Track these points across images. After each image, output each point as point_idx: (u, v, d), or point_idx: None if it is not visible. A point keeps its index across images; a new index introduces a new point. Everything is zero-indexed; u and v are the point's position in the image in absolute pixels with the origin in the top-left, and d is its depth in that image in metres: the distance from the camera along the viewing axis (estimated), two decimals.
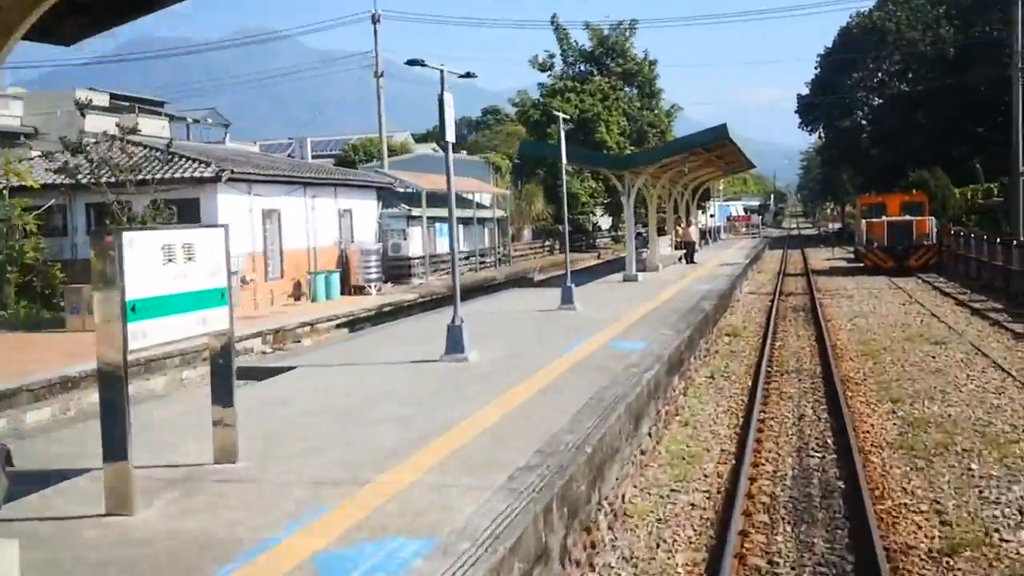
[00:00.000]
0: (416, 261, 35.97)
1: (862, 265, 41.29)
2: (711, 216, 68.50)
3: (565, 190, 25.52)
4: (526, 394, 10.66)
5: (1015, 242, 29.07)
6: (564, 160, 22.32)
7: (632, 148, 58.64)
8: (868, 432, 12.29)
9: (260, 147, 51.23)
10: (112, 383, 6.26)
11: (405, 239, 36.28)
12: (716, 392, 15.64)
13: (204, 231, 7.37)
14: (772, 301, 29.03)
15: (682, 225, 35.04)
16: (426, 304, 31.51)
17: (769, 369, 17.47)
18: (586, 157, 34.88)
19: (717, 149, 29.54)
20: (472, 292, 29.58)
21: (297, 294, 30.65)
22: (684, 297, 21.80)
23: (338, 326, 26.02)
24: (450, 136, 13.28)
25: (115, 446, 6.32)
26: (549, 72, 65.44)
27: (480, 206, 45.29)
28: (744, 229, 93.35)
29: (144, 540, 5.96)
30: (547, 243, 54.44)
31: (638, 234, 36.63)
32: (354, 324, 26.32)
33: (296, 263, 30.72)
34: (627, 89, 65.59)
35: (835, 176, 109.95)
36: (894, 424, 12.68)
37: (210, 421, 7.59)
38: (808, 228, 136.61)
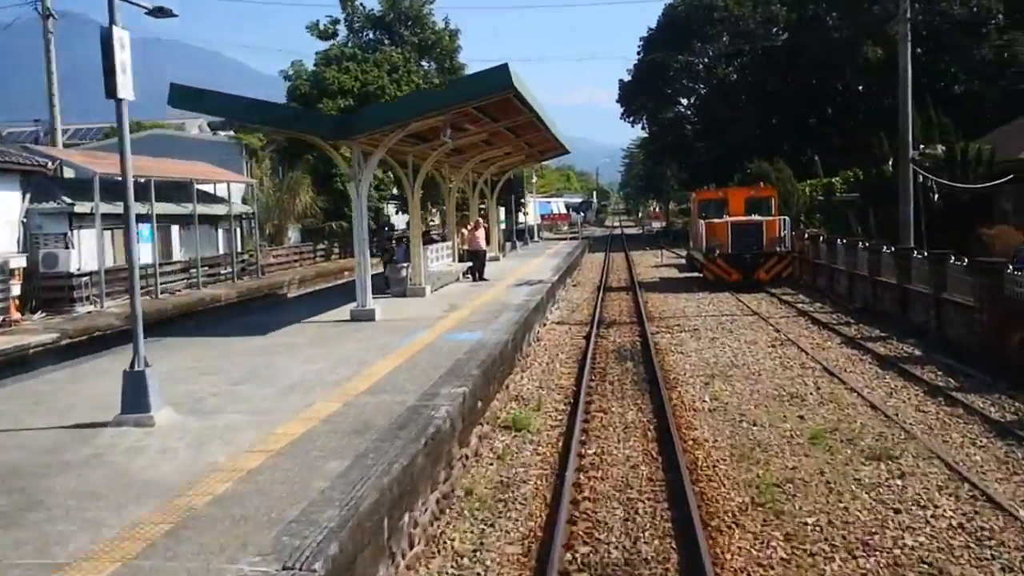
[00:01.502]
0: (84, 280, 24.43)
1: (699, 275, 33.12)
2: (524, 215, 59.81)
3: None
4: None
5: (916, 253, 20.99)
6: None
7: None
8: None
9: None
10: None
11: (68, 247, 24.69)
12: None
13: None
14: (587, 339, 19.75)
15: (468, 227, 25.37)
16: (75, 347, 20.31)
17: (571, 553, 7.81)
18: (267, 113, 18.80)
19: (509, 116, 20.07)
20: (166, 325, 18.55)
21: None
22: (418, 373, 11.78)
23: None
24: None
25: None
26: (333, 41, 54.51)
27: (216, 200, 34.01)
28: (566, 228, 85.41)
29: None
30: (320, 246, 43.65)
31: (431, 238, 26.74)
32: None
33: None
34: (425, 63, 55.53)
35: (659, 172, 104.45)
36: None
37: None
38: (631, 227, 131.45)
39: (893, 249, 22.90)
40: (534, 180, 61.70)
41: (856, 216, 41.33)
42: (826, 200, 48.28)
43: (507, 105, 18.40)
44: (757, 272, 29.44)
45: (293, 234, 43.72)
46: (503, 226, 35.69)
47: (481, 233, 25.14)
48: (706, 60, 71.13)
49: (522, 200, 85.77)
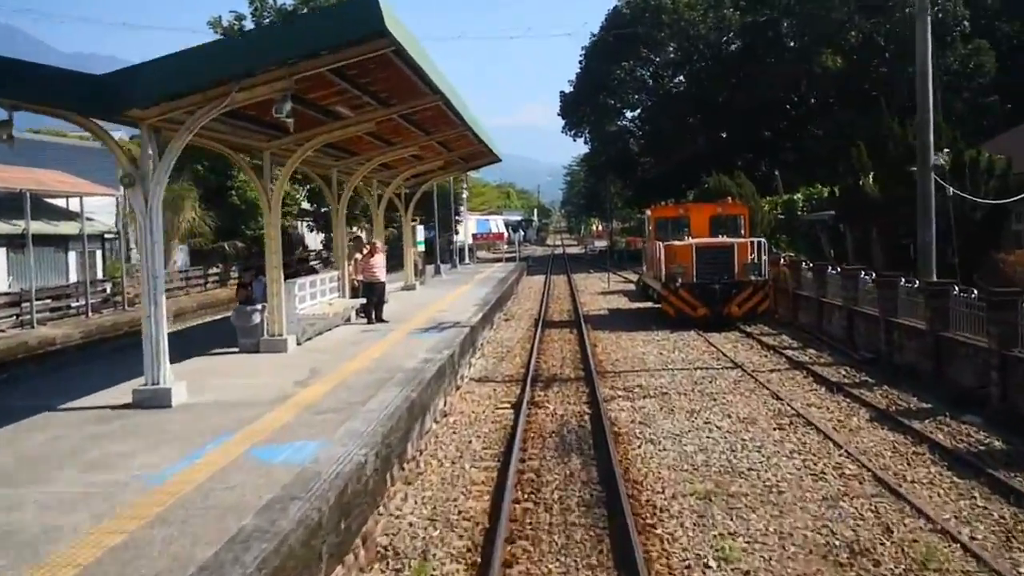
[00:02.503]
0: None
1: (655, 306, 27.70)
2: (455, 234, 53.83)
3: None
4: None
5: (960, 290, 15.63)
6: None
7: None
8: None
9: None
10: None
11: None
12: None
13: None
14: (516, 409, 14.00)
15: (362, 252, 19.29)
16: None
17: None
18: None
19: (404, 98, 14.24)
20: None
21: None
22: None
23: None
24: None
25: None
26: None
27: (66, 216, 27.54)
28: (506, 247, 79.44)
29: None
30: (214, 270, 37.23)
31: (308, 267, 20.78)
32: None
33: None
34: None
35: (602, 189, 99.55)
36: None
37: None
38: (574, 245, 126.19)
39: (917, 283, 17.57)
40: (464, 195, 55.72)
41: (828, 237, 36.42)
42: (787, 219, 43.42)
43: (395, 76, 12.58)
44: (728, 306, 24.03)
45: (180, 257, 37.22)
46: (420, 248, 29.87)
47: (379, 260, 19.11)
48: (653, 68, 66.33)
49: (457, 217, 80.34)
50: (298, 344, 15.44)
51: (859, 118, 54.48)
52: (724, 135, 63.28)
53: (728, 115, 60.29)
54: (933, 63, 53.97)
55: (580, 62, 72.47)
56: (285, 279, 17.11)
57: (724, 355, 19.57)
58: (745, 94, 58.83)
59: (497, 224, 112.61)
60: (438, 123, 18.80)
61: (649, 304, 29.66)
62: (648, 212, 28.02)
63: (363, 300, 18.92)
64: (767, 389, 15.53)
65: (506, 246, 70.88)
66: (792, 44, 59.07)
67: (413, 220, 50.04)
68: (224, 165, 36.88)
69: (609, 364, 18.90)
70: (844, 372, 17.28)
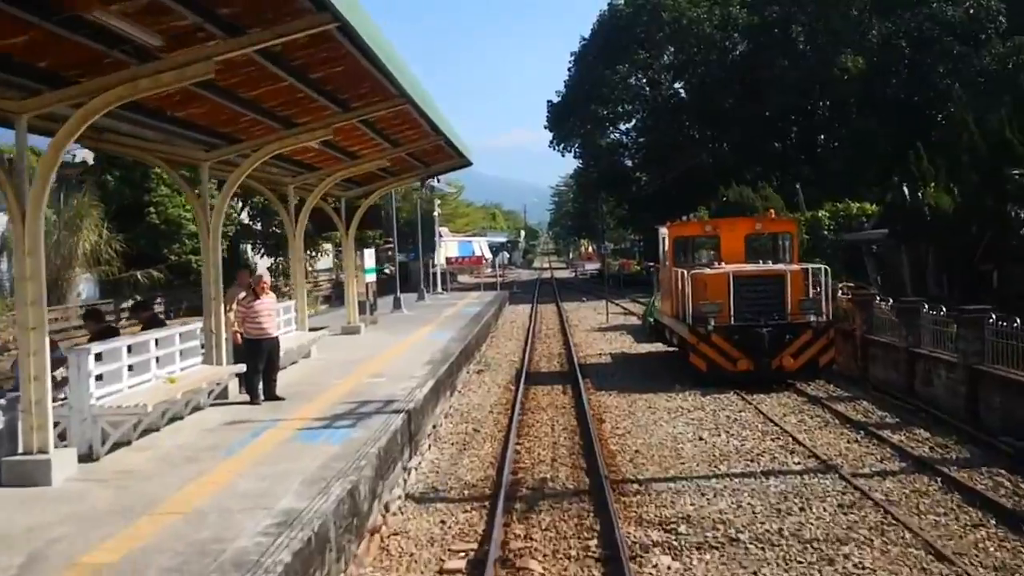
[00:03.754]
0: None
1: (669, 349, 21.40)
2: (428, 261, 47.04)
3: None
4: None
5: None
6: None
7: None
8: None
9: None
10: None
11: None
12: None
13: None
14: None
15: (246, 295, 12.72)
16: None
17: None
18: None
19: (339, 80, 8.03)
20: None
21: None
22: None
23: None
24: None
25: None
26: None
27: None
28: (490, 271, 71.80)
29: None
30: (131, 303, 30.55)
31: (152, 316, 14.44)
32: None
33: None
34: None
35: (592, 207, 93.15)
36: None
37: None
38: (562, 269, 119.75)
39: None
40: (436, 214, 48.99)
41: (876, 261, 30.09)
42: (812, 240, 37.03)
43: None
44: (780, 357, 17.53)
45: (86, 288, 30.38)
46: (370, 277, 23.14)
47: (267, 304, 12.43)
48: (650, 73, 60.20)
49: (437, 239, 73.70)
50: (94, 459, 8.82)
51: (882, 126, 48.56)
52: (728, 147, 57.13)
53: (733, 124, 54.19)
54: (965, 63, 47.74)
55: (569, 69, 66.53)
56: (93, 338, 10.73)
57: (796, 440, 13.06)
58: (753, 101, 52.76)
59: (480, 246, 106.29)
60: (396, 123, 12.46)
61: (661, 347, 23.22)
62: (663, 230, 21.56)
63: (242, 366, 12.23)
64: (906, 529, 9.01)
65: (488, 270, 63.90)
66: (805, 46, 53.05)
67: (376, 241, 43.01)
68: (141, 176, 30.31)
69: (626, 459, 12.36)
70: (1003, 480, 10.78)
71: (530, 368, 21.79)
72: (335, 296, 52.51)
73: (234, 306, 12.54)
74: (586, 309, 40.94)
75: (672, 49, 56.17)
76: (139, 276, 29.90)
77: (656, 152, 60.39)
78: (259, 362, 12.23)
